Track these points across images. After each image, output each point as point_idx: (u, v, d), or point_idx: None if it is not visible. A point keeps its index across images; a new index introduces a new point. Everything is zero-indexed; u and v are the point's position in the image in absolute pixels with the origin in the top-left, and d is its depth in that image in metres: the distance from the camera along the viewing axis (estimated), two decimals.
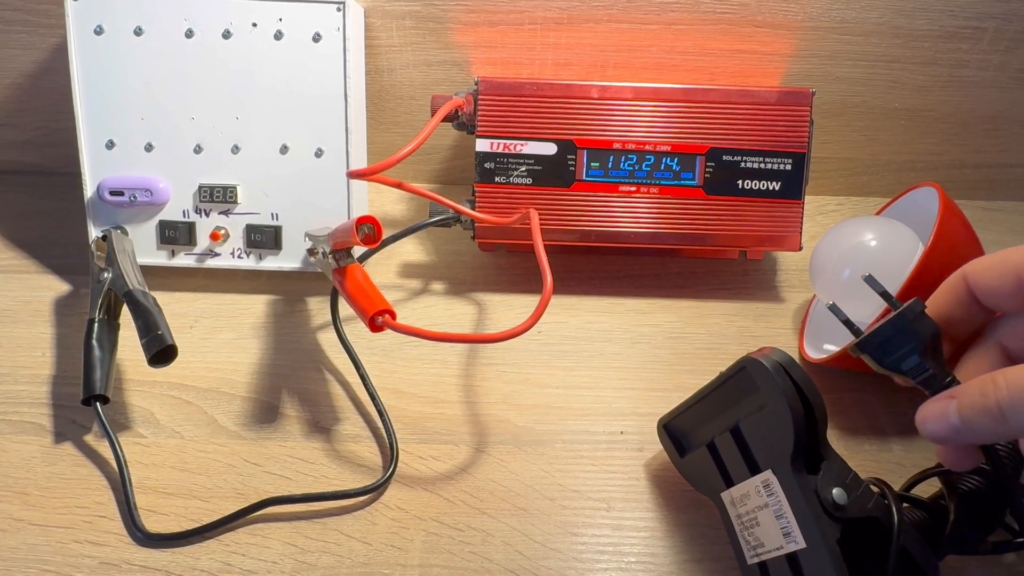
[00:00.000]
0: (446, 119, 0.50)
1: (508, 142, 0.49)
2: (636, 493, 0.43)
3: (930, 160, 0.59)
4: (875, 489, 0.34)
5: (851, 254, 0.45)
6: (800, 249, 0.51)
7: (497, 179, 0.50)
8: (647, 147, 0.49)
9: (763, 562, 0.35)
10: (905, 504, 0.36)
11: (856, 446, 0.45)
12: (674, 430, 0.42)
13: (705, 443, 0.38)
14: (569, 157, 0.49)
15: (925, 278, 0.40)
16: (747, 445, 0.36)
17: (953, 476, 0.37)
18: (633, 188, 0.49)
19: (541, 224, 0.48)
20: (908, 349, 0.33)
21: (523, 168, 0.49)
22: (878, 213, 0.51)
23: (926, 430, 0.32)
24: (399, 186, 0.48)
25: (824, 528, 0.32)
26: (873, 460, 0.44)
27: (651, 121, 0.49)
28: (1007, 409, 0.29)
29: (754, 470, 0.35)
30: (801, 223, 0.50)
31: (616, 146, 0.49)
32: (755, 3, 0.52)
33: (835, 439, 0.45)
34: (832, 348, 0.48)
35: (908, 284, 0.40)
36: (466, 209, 0.49)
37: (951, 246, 0.41)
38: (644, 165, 0.49)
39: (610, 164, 0.49)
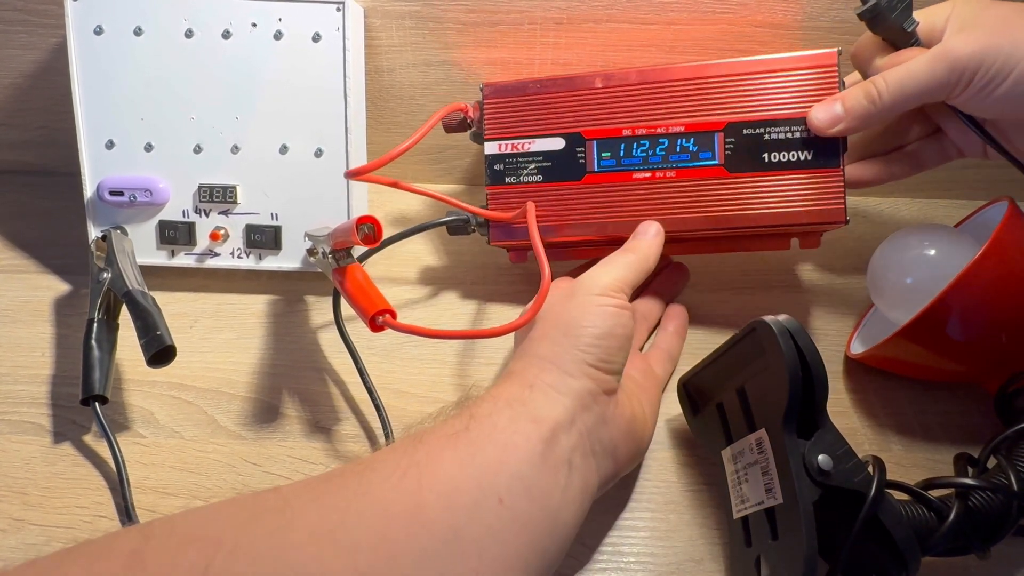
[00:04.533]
0: (462, 129, 0.50)
1: (515, 142, 0.49)
2: (635, 493, 0.43)
3: None
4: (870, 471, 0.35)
5: (915, 262, 0.45)
6: (846, 221, 0.44)
7: (508, 179, 0.49)
8: (659, 130, 0.47)
9: (745, 517, 0.37)
10: (910, 497, 0.37)
11: (856, 446, 0.44)
12: (691, 389, 0.44)
13: (715, 402, 0.40)
14: (578, 150, 0.48)
15: (973, 283, 0.40)
16: (749, 405, 0.37)
17: (968, 487, 0.37)
18: (648, 174, 0.47)
19: (555, 221, 0.47)
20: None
21: (532, 166, 0.49)
22: (956, 227, 0.50)
23: (813, 118, 0.43)
24: (395, 185, 0.48)
25: (802, 488, 0.33)
26: None
27: (661, 103, 0.47)
28: (881, 96, 0.41)
29: (752, 429, 0.37)
30: (843, 192, 0.44)
31: (626, 133, 0.47)
32: (755, 3, 0.52)
33: None
34: None
35: (953, 286, 0.40)
36: (465, 205, 0.49)
37: (1008, 257, 0.41)
38: (658, 149, 0.47)
39: (622, 152, 0.47)
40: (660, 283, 0.52)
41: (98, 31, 0.50)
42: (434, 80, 0.56)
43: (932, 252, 0.45)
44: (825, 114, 0.43)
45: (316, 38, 0.49)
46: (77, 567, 0.26)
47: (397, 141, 0.58)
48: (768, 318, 0.36)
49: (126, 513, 0.42)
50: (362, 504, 0.30)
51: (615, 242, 0.46)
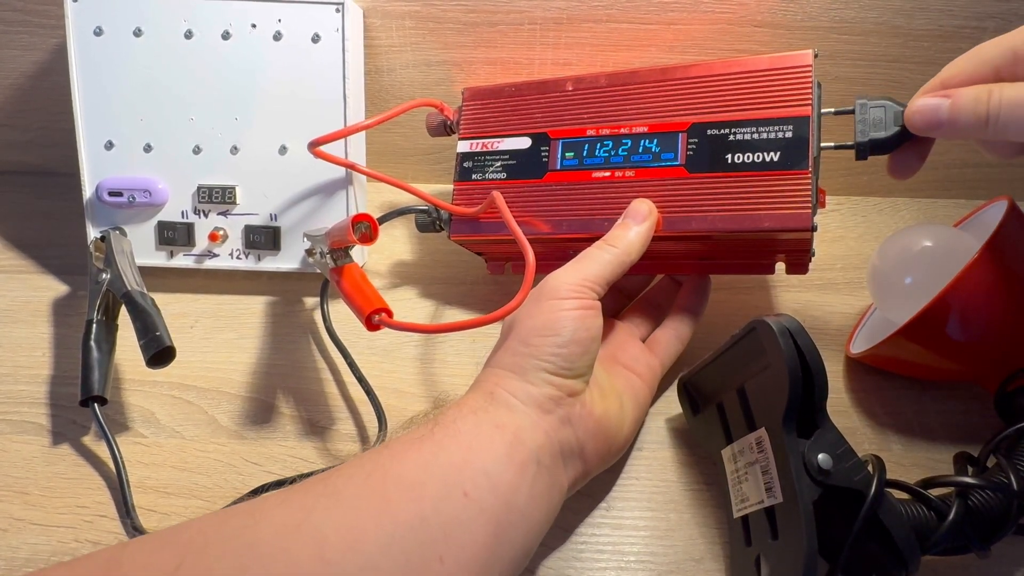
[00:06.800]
0: (444, 133, 0.52)
1: (486, 141, 0.49)
2: (636, 492, 0.43)
3: (930, 160, 0.58)
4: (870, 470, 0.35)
5: (914, 262, 0.45)
6: (812, 228, 0.41)
7: (474, 176, 0.49)
8: (622, 130, 0.46)
9: (745, 516, 0.37)
10: (910, 496, 0.37)
11: (856, 446, 0.44)
12: (691, 388, 0.44)
13: (715, 402, 0.40)
14: (543, 149, 0.48)
15: (973, 282, 0.39)
16: (749, 404, 0.37)
17: (968, 485, 0.37)
18: (607, 174, 0.46)
19: (515, 217, 0.46)
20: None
21: (498, 164, 0.49)
22: (956, 226, 0.50)
23: (914, 118, 0.37)
24: (378, 178, 0.49)
25: (802, 487, 0.33)
26: None
27: (627, 105, 0.47)
28: (992, 119, 0.34)
29: (752, 428, 0.37)
30: (811, 197, 0.41)
31: (590, 133, 0.47)
32: (755, 3, 0.52)
33: None
34: None
35: (952, 285, 0.39)
36: (443, 203, 0.49)
37: (1007, 257, 0.40)
38: (621, 150, 0.46)
39: (585, 152, 0.47)
40: (678, 299, 0.49)
41: (98, 32, 0.50)
42: (434, 80, 0.56)
43: (932, 252, 0.45)
44: (925, 111, 0.37)
45: (315, 39, 0.49)
46: (58, 573, 0.27)
47: (397, 141, 0.59)
48: (768, 318, 0.36)
49: (126, 513, 0.42)
50: (328, 502, 0.30)
51: (572, 240, 0.46)
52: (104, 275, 0.47)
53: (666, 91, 0.46)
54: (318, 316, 0.52)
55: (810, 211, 0.41)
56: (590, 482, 0.41)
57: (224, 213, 0.52)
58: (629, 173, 0.46)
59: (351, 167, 0.49)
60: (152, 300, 0.45)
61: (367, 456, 0.33)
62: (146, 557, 0.28)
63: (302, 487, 0.32)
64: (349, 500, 0.30)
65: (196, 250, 0.53)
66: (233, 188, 0.51)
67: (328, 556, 0.28)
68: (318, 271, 0.51)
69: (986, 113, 0.34)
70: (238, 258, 0.53)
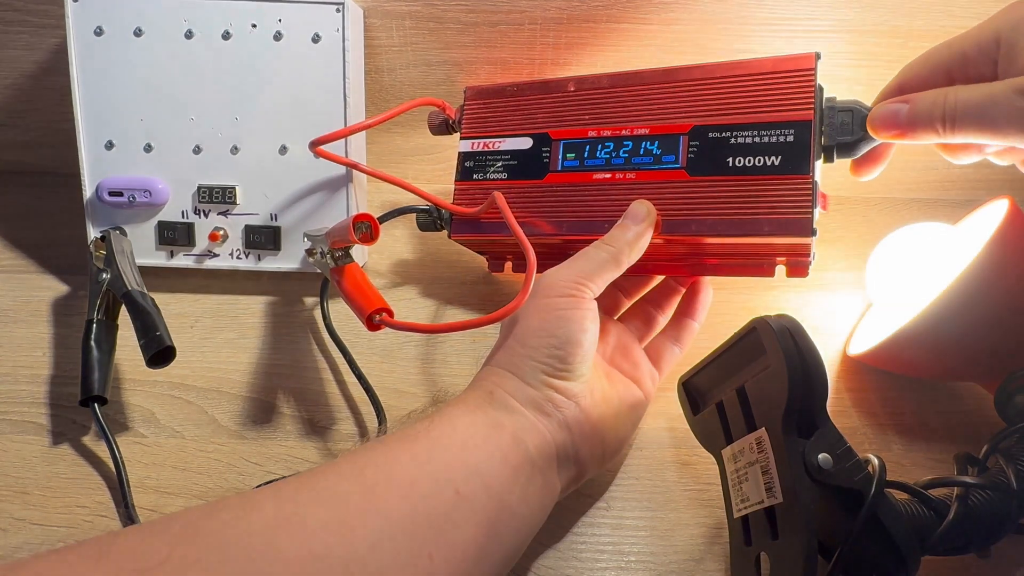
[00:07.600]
0: (446, 131, 0.52)
1: (487, 140, 0.49)
2: (636, 492, 0.43)
3: (930, 160, 0.59)
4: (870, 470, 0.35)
5: (914, 261, 0.45)
6: (812, 234, 0.40)
7: (475, 176, 0.49)
8: (624, 132, 0.46)
9: (745, 516, 0.37)
10: (909, 496, 0.37)
11: (856, 446, 0.44)
12: (691, 388, 0.44)
13: (715, 402, 0.40)
14: (544, 150, 0.48)
15: (973, 283, 0.39)
16: (749, 404, 0.37)
17: (968, 485, 0.37)
18: (608, 175, 0.46)
19: (516, 218, 0.46)
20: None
21: (499, 164, 0.49)
22: (955, 226, 0.49)
23: (875, 123, 0.38)
24: (379, 176, 0.49)
25: (802, 486, 0.33)
26: None
27: (629, 106, 0.46)
28: (949, 121, 0.35)
29: (752, 428, 0.37)
30: (811, 202, 0.41)
31: (591, 134, 0.47)
32: (755, 3, 0.52)
33: None
34: None
35: (953, 286, 0.39)
36: (443, 201, 0.49)
37: (1008, 257, 0.40)
38: (622, 151, 0.46)
39: (586, 153, 0.47)
40: (677, 306, 0.49)
41: (98, 32, 0.50)
42: (434, 80, 0.56)
43: (932, 252, 0.45)
44: (885, 116, 0.38)
45: (316, 39, 0.49)
46: (49, 560, 0.27)
47: (398, 141, 0.59)
48: (768, 318, 0.36)
49: (127, 513, 0.42)
50: (321, 496, 0.30)
51: (573, 242, 0.45)
52: (104, 275, 0.47)
53: (668, 93, 0.46)
54: (318, 316, 0.52)
55: (810, 217, 0.41)
56: (589, 481, 0.41)
57: (224, 213, 0.52)
58: (630, 175, 0.45)
59: (353, 166, 0.49)
60: (152, 300, 0.45)
61: (360, 451, 0.33)
62: (135, 547, 0.28)
63: (294, 481, 0.32)
64: (340, 496, 0.30)
65: (196, 250, 0.53)
66: (233, 188, 0.51)
67: (316, 551, 0.28)
68: (318, 271, 0.51)
69: (942, 116, 0.35)
70: (238, 258, 0.53)
